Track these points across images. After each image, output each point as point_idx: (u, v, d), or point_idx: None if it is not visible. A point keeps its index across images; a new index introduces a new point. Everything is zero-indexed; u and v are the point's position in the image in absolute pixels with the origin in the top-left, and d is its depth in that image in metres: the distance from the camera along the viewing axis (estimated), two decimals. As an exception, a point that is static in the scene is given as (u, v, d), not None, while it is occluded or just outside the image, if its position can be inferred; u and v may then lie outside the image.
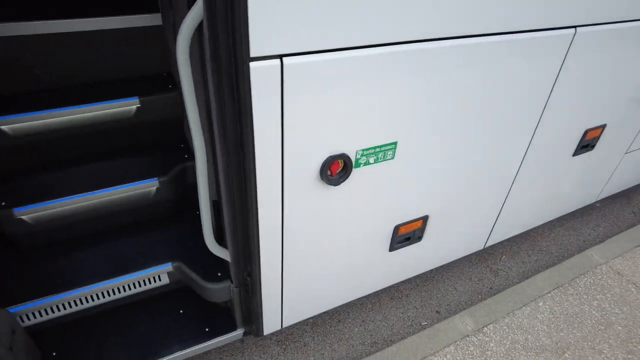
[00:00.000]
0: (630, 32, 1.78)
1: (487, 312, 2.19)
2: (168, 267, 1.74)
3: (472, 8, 1.26)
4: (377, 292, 2.39)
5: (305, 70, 1.12)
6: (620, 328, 2.15)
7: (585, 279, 2.43)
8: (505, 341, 2.06)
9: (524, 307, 2.23)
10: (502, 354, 2.00)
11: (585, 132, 2.03)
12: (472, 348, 2.02)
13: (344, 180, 1.39)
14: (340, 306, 2.30)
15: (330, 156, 1.32)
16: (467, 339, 2.06)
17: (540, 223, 2.46)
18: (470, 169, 1.77)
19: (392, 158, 1.47)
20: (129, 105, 1.79)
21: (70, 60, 1.78)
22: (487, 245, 2.25)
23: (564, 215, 3.07)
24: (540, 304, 2.26)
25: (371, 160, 1.43)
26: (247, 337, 2.13)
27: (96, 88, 1.84)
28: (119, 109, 1.78)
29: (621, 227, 3.00)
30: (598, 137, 2.12)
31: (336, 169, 1.38)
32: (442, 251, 2.07)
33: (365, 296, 2.36)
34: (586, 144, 2.11)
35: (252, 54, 1.03)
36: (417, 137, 1.46)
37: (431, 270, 2.56)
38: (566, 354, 2.01)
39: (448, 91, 1.41)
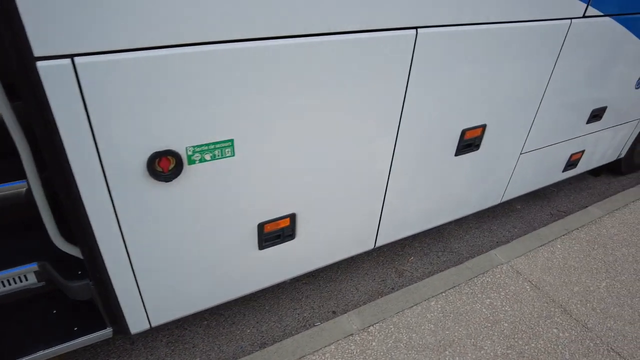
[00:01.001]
0: (503, 33, 1.85)
1: (376, 311, 2.21)
2: (34, 266, 1.75)
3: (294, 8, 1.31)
4: (277, 293, 2.41)
5: (107, 68, 1.15)
6: (506, 325, 2.18)
7: (484, 278, 2.46)
8: (388, 340, 2.07)
9: (414, 307, 2.25)
10: (382, 353, 2.01)
11: (463, 132, 2.08)
12: (352, 347, 2.03)
13: (175, 177, 1.41)
14: (236, 307, 2.31)
15: (155, 152, 1.35)
16: (350, 338, 2.07)
17: (435, 224, 2.49)
18: (337, 169, 1.80)
19: (232, 155, 1.50)
20: None
21: None
22: (377, 244, 2.27)
23: (482, 218, 3.12)
24: (433, 303, 2.28)
25: (207, 157, 1.46)
26: (139, 338, 2.14)
27: None
28: None
29: (536, 227, 3.04)
30: (480, 137, 2.17)
31: (167, 166, 1.41)
32: (323, 250, 2.09)
33: (263, 297, 2.38)
34: (468, 144, 2.16)
35: (37, 54, 1.06)
36: (256, 134, 1.50)
37: (336, 271, 2.58)
38: (447, 351, 2.03)
39: (289, 91, 1.45)
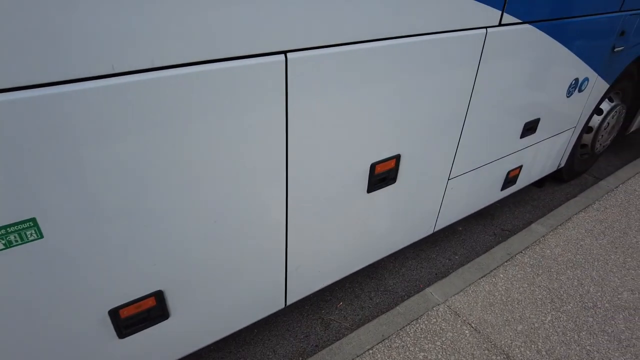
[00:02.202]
0: (407, 50, 1.55)
1: (289, 384, 1.85)
2: None
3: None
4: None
5: None
6: (441, 386, 1.87)
7: (417, 325, 2.14)
8: (301, 422, 1.72)
9: (336, 372, 1.91)
10: None
11: (373, 166, 1.76)
12: None
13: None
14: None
15: None
16: None
17: (359, 267, 2.16)
18: (211, 228, 1.44)
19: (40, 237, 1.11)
20: None
21: None
22: (289, 302, 1.92)
23: (420, 245, 2.84)
24: (357, 365, 1.95)
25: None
26: None
27: None
28: None
29: (478, 252, 2.78)
30: (395, 169, 1.86)
31: None
32: (213, 323, 1.70)
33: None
34: (381, 178, 1.84)
35: None
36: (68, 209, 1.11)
37: (252, 332, 2.20)
38: None
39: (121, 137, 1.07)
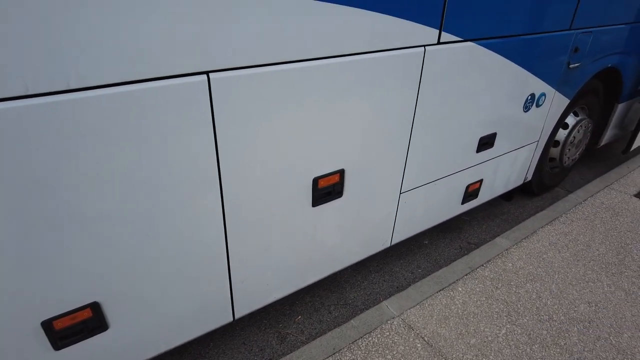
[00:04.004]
0: (343, 69, 1.61)
1: (235, 397, 1.86)
2: None
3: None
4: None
5: None
6: (387, 399, 1.88)
7: (370, 338, 2.16)
8: None
9: (283, 385, 1.92)
10: None
11: (315, 180, 1.81)
12: None
13: None
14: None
15: None
16: None
17: (312, 281, 2.18)
18: (144, 243, 1.48)
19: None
20: None
21: None
22: (237, 316, 1.94)
23: (385, 258, 2.86)
24: (306, 378, 1.96)
25: None
26: None
27: None
28: None
29: (442, 265, 2.80)
30: (340, 183, 1.91)
31: None
32: (157, 335, 1.72)
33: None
34: (326, 192, 1.89)
35: None
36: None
37: (207, 344, 2.22)
38: None
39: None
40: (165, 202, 1.45)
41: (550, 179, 3.62)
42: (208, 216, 1.59)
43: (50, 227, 1.25)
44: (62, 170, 1.20)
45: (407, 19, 1.72)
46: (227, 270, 1.77)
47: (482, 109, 2.36)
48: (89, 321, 1.50)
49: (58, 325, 1.44)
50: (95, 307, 1.49)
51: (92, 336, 1.54)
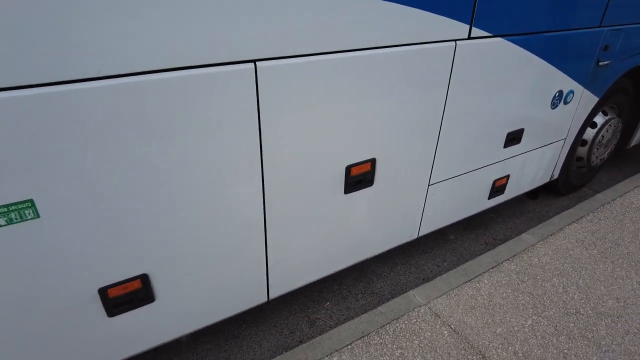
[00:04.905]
0: (377, 60, 1.71)
1: (268, 373, 1.96)
2: None
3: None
4: (170, 355, 2.14)
5: None
6: (414, 381, 1.94)
7: (397, 324, 2.22)
8: (277, 409, 1.81)
9: (313, 365, 2.01)
10: None
11: (348, 168, 1.90)
12: (233, 421, 1.76)
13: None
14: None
15: None
16: (233, 409, 1.81)
17: (340, 268, 2.26)
18: (192, 224, 1.60)
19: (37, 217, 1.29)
20: None
21: None
22: (271, 297, 2.04)
23: (411, 252, 2.92)
24: (335, 359, 2.03)
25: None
26: None
27: None
28: None
29: (468, 259, 2.84)
30: (371, 172, 1.99)
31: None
32: (195, 310, 1.83)
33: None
34: (357, 180, 1.97)
35: None
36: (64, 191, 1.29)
37: (240, 325, 2.32)
38: (343, 419, 1.78)
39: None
40: (213, 185, 1.56)
41: (577, 179, 3.61)
42: (251, 199, 1.69)
43: (112, 203, 1.38)
44: (128, 153, 1.33)
45: (439, 14, 1.80)
46: (264, 252, 1.87)
47: (510, 105, 2.41)
48: (139, 292, 1.62)
49: (112, 293, 1.56)
50: (144, 278, 1.61)
51: (140, 306, 1.66)
